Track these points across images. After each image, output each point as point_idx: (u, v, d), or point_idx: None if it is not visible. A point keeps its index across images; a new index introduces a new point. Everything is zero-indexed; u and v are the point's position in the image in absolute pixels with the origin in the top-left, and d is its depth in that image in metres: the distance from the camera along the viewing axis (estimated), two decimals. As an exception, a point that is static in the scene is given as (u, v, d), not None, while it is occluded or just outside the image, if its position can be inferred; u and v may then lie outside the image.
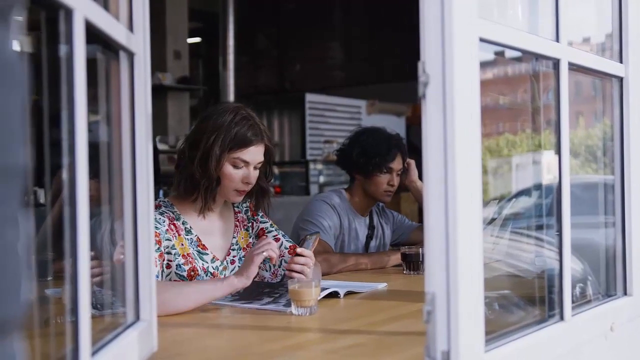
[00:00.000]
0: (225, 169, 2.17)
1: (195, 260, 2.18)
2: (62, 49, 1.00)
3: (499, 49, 1.39)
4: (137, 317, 1.36)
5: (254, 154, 2.19)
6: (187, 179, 2.19)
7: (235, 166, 2.18)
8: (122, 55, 1.33)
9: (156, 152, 4.90)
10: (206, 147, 2.14)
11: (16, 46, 0.56)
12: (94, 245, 1.07)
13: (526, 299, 1.70)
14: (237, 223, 2.37)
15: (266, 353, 1.51)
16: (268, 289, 2.13)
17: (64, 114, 1.00)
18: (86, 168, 1.01)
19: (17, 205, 0.56)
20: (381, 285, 2.33)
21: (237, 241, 2.34)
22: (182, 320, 1.83)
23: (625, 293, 1.79)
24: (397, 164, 2.99)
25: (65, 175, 1.00)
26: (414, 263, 2.62)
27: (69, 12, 0.98)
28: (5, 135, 0.54)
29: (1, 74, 0.53)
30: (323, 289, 2.01)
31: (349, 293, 2.16)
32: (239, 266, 2.29)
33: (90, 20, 1.05)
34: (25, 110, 0.57)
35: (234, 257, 2.32)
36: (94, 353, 1.07)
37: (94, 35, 1.10)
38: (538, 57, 1.55)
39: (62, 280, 1.19)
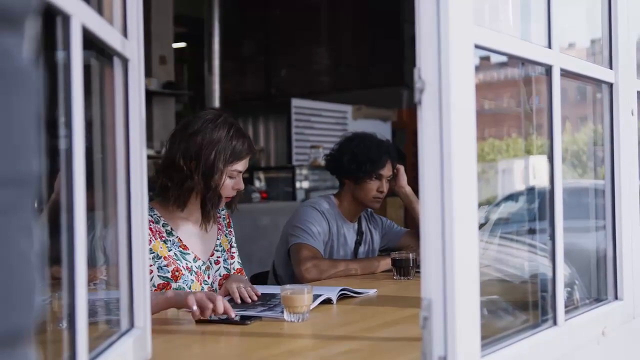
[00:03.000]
0: (225, 181, 2.26)
1: (178, 261, 2.22)
2: (59, 55, 1.00)
3: (485, 53, 1.40)
4: (132, 325, 1.35)
5: (246, 163, 2.31)
6: (186, 193, 2.24)
7: (231, 177, 2.27)
8: (116, 61, 1.32)
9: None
10: (209, 163, 2.21)
11: (30, 54, 0.56)
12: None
13: (518, 304, 1.70)
14: (220, 226, 2.44)
15: (260, 360, 1.50)
16: (261, 301, 2.11)
17: (61, 120, 0.99)
18: (83, 174, 1.00)
19: (31, 214, 0.56)
20: (372, 292, 2.33)
21: (220, 243, 2.41)
22: (175, 327, 1.82)
23: (616, 297, 1.80)
24: (387, 171, 2.99)
25: (62, 181, 0.99)
26: (404, 268, 2.62)
27: (66, 18, 0.98)
28: (20, 144, 0.53)
29: (16, 82, 0.53)
30: (316, 296, 2.01)
31: (342, 297, 2.16)
32: (224, 267, 2.38)
33: (87, 26, 1.04)
34: (38, 118, 0.57)
35: (218, 257, 2.38)
36: (90, 361, 1.07)
37: (88, 41, 1.09)
38: (531, 63, 1.56)
39: (53, 288, 1.18)
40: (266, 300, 2.11)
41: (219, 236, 2.41)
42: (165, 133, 7.60)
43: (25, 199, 0.55)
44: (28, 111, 0.55)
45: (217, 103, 8.71)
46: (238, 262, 2.49)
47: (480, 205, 1.86)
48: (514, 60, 1.58)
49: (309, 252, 2.80)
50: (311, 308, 1.89)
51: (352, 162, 2.96)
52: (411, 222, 3.35)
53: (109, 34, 1.20)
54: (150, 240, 2.18)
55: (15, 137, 0.53)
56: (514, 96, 1.93)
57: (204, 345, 1.67)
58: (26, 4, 0.57)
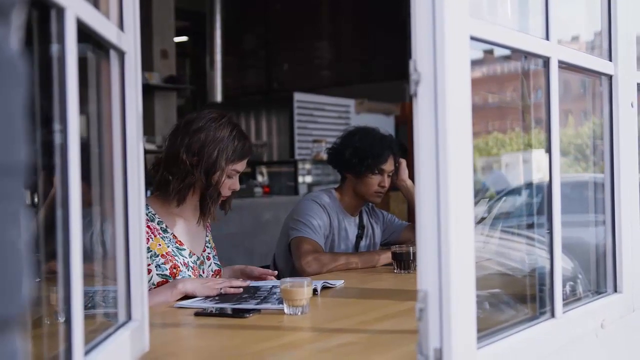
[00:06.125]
0: (224, 180, 2.29)
1: (176, 257, 2.25)
2: (54, 48, 1.00)
3: (488, 47, 1.39)
4: (129, 317, 1.36)
5: (244, 164, 2.35)
6: (186, 188, 2.26)
7: (229, 176, 2.30)
8: (113, 55, 1.32)
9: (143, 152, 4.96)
10: (211, 160, 2.24)
11: (17, 44, 0.56)
12: (83, 246, 1.07)
13: (517, 297, 1.70)
14: (207, 224, 2.47)
15: (259, 352, 1.50)
16: (246, 295, 2.10)
17: (56, 113, 0.99)
18: (78, 168, 1.00)
19: (19, 203, 0.56)
20: (339, 283, 2.35)
21: (209, 240, 2.46)
22: (173, 320, 1.83)
23: (615, 290, 1.80)
24: (389, 166, 2.98)
25: (57, 176, 0.99)
26: (404, 262, 2.63)
27: (60, 11, 0.98)
28: (8, 133, 0.54)
29: (3, 73, 0.53)
30: None
31: (324, 288, 2.22)
32: (214, 263, 2.43)
33: (81, 19, 1.04)
34: (26, 109, 0.57)
35: (208, 253, 2.43)
36: (86, 353, 1.07)
37: (83, 34, 1.09)
38: (528, 55, 1.55)
39: (51, 282, 1.19)
40: (253, 293, 2.11)
41: (207, 233, 2.46)
42: (167, 128, 7.60)
43: (13, 188, 0.55)
44: (15, 101, 0.55)
45: (219, 97, 8.71)
46: (216, 263, 2.50)
47: (482, 198, 1.86)
48: (515, 53, 1.57)
49: (309, 245, 2.80)
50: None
51: (354, 156, 2.95)
52: (413, 216, 3.35)
53: (104, 27, 1.20)
54: (148, 239, 2.19)
55: (2, 127, 0.53)
56: (517, 90, 1.93)
57: (202, 338, 1.67)
58: None
